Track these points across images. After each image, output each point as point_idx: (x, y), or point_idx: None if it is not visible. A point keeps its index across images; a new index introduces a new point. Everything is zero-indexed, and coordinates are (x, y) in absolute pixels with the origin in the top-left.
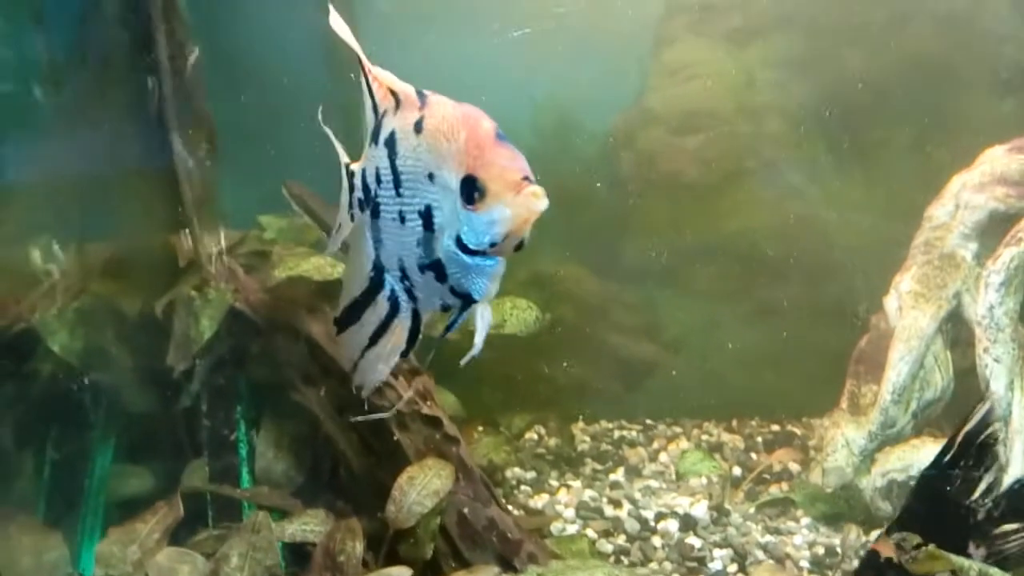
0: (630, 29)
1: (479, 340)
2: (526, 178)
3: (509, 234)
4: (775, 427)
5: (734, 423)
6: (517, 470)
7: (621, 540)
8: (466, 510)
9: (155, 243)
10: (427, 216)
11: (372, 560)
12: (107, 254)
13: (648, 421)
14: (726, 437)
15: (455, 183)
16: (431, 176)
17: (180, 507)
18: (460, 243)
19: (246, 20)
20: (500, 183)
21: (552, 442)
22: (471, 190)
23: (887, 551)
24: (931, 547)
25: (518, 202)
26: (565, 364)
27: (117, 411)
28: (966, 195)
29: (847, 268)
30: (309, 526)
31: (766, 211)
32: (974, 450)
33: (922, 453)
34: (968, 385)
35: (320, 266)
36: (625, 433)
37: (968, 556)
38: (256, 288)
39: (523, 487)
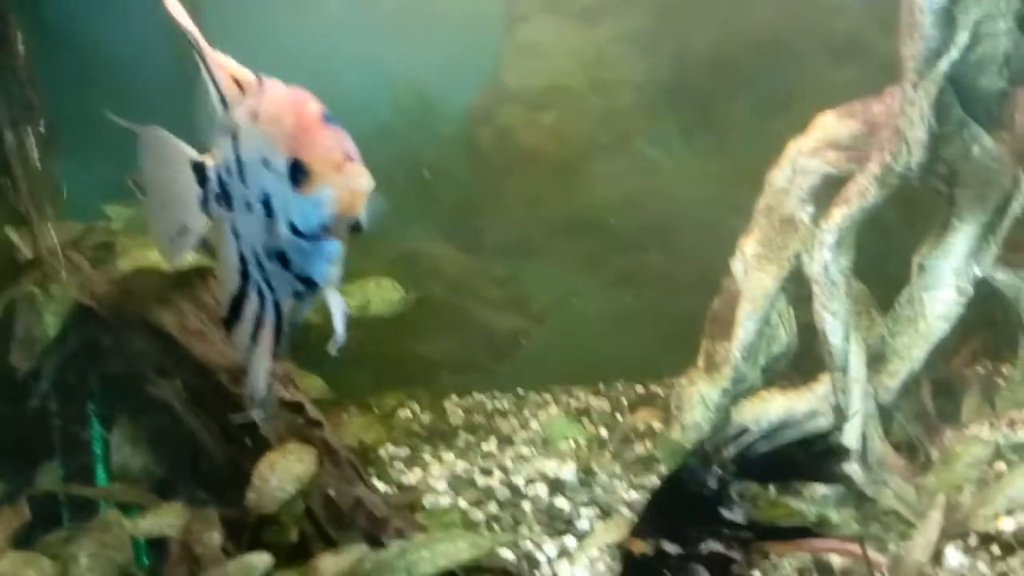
0: (482, 7)
1: (338, 326)
2: (349, 158)
3: (337, 215)
4: (639, 389)
5: (601, 387)
6: (391, 447)
7: (493, 508)
8: (332, 492)
9: None
10: (267, 203)
11: (234, 549)
12: None
13: (519, 390)
14: (593, 401)
15: (284, 167)
16: (266, 162)
17: (26, 511)
18: (294, 227)
19: (87, 4)
20: (322, 164)
21: (426, 418)
22: (296, 173)
23: (638, 548)
24: (771, 496)
25: (340, 182)
26: (434, 340)
27: None
28: (801, 161)
29: (698, 235)
30: (165, 520)
31: (621, 183)
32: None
33: (771, 405)
34: (812, 339)
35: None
36: (497, 404)
37: (722, 523)
38: (103, 281)
39: (397, 464)
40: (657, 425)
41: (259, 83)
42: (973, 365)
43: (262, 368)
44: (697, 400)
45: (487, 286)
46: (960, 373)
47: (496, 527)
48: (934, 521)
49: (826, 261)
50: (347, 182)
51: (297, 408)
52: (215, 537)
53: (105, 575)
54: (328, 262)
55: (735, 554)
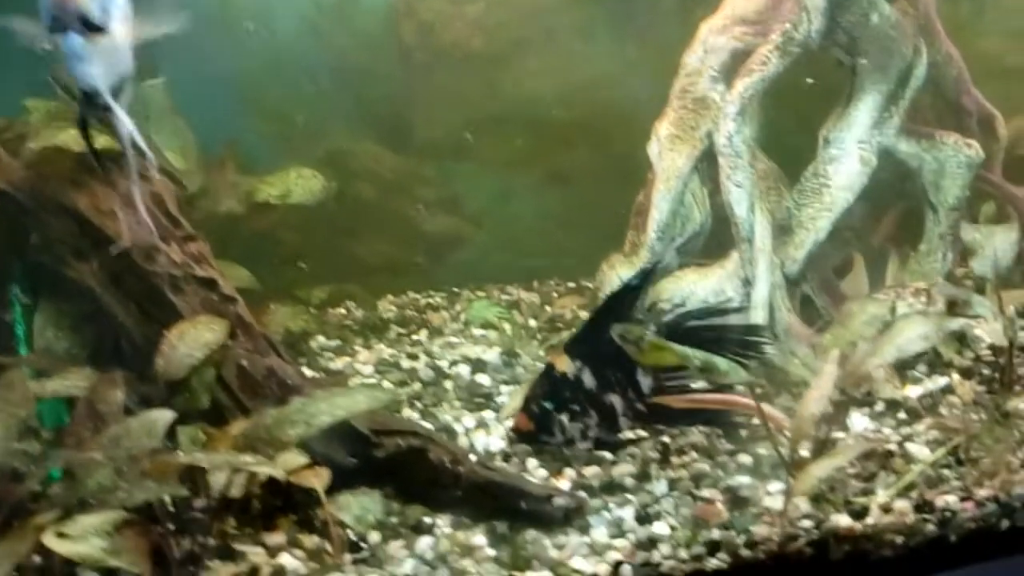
0: None
1: (123, 144)
2: None
3: (54, 3)
4: (571, 284)
5: (535, 284)
6: (322, 339)
7: (416, 387)
8: (245, 362)
9: None
10: None
11: None
12: None
13: (455, 289)
14: (525, 295)
15: None
16: None
17: None
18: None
19: None
20: None
21: (360, 314)
22: None
23: (562, 365)
24: (654, 338)
25: None
26: (370, 241)
27: None
28: (711, 39)
29: (629, 129)
30: (71, 381)
31: (550, 77)
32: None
33: (683, 283)
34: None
35: (79, 137)
36: (431, 301)
37: (636, 382)
38: (18, 167)
39: (327, 354)
40: (585, 314)
41: None
42: (893, 242)
43: (136, 192)
44: (616, 283)
45: (420, 187)
46: (882, 249)
47: (418, 404)
48: (828, 374)
49: (730, 132)
50: None
51: (210, 284)
52: (118, 395)
53: (6, 428)
54: (75, 59)
55: (622, 423)
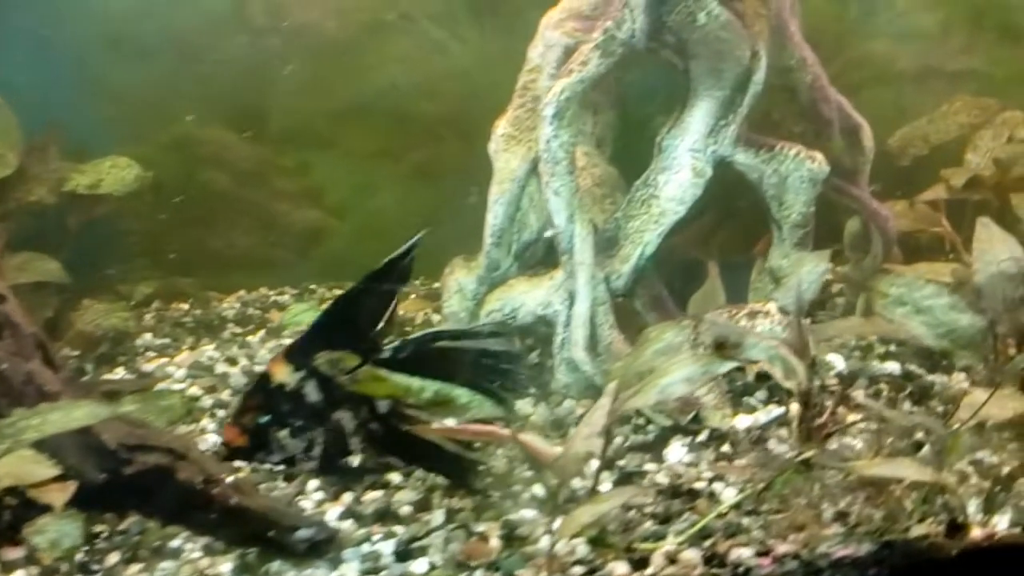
0: None
1: None
2: None
3: None
4: (436, 285)
5: None
6: (148, 337)
7: (225, 395)
8: (4, 366)
9: None
10: None
11: None
12: None
13: (311, 287)
14: None
15: None
16: None
17: None
18: None
19: None
20: None
21: (199, 312)
22: None
23: (280, 375)
24: (371, 368)
25: None
26: (226, 234)
27: None
28: (548, 33)
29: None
30: None
31: (411, 66)
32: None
33: (515, 291)
34: None
35: None
36: (280, 299)
37: (370, 399)
38: None
39: (149, 353)
40: (436, 317)
41: None
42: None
43: None
44: (455, 289)
45: (278, 177)
46: (749, 261)
47: (220, 413)
48: (600, 409)
49: (548, 136)
50: None
51: None
52: None
53: None
54: None
55: (352, 445)
